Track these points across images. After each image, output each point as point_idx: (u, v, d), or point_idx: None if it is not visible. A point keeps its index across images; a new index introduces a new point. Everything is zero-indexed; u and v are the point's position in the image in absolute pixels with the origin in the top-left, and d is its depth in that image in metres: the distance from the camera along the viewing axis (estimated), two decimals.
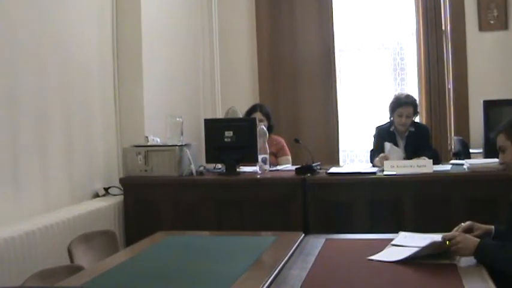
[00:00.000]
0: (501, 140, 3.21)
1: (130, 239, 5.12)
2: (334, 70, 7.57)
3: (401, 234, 3.51)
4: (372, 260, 3.09)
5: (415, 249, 3.07)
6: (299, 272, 2.92)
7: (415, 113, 5.78)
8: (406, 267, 2.93)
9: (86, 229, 4.27)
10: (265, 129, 5.60)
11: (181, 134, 5.49)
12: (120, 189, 5.44)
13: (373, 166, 5.38)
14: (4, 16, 4.23)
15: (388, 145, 5.53)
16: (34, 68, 4.56)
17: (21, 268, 3.89)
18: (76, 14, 5.16)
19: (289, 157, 6.21)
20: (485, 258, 2.96)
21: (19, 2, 4.40)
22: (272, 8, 7.66)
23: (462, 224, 3.32)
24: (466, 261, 2.97)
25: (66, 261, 3.48)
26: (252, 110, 6.36)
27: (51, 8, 4.80)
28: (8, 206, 4.25)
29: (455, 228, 3.30)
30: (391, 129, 5.77)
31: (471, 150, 6.63)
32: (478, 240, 3.02)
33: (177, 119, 5.51)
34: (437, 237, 3.22)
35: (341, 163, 7.43)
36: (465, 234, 3.14)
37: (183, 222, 5.16)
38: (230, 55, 7.70)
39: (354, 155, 7.78)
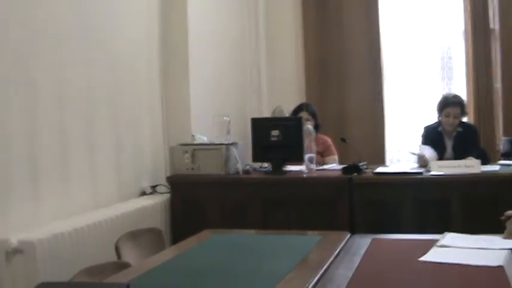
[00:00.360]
0: None
1: (176, 236, 5.16)
2: (381, 69, 7.53)
3: (447, 235, 3.48)
4: (421, 261, 3.06)
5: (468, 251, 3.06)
6: (345, 271, 2.90)
7: (463, 113, 5.73)
8: (454, 269, 2.89)
9: (133, 226, 4.31)
10: (311, 128, 5.59)
11: (228, 132, 5.51)
12: (167, 187, 5.48)
13: (420, 166, 5.34)
14: (52, 18, 4.30)
15: (420, 147, 5.49)
16: (82, 70, 4.63)
17: (70, 263, 3.95)
18: (123, 14, 5.21)
19: (336, 156, 6.20)
20: None
21: (67, 3, 4.46)
22: (319, 7, 7.64)
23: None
24: None
25: (113, 258, 3.53)
26: (299, 109, 6.35)
27: (99, 9, 4.86)
28: (58, 202, 4.33)
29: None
30: (439, 129, 5.74)
31: None
32: None
33: (224, 118, 5.53)
34: (485, 238, 3.20)
35: (387, 163, 7.39)
36: None
37: (229, 220, 5.18)
38: (277, 54, 7.70)
39: (401, 154, 7.72)
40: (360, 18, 7.56)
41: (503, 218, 3.12)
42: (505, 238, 3.12)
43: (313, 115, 6.27)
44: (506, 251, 3.05)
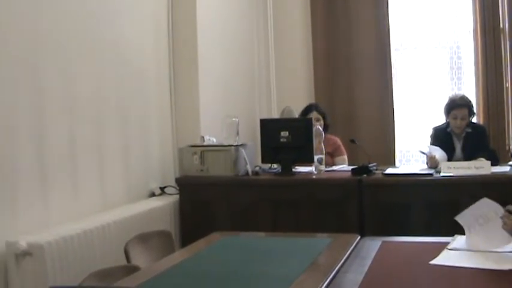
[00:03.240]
0: None
1: (185, 238, 5.18)
2: (390, 69, 7.50)
3: (458, 237, 3.46)
4: (432, 264, 3.04)
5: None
6: (355, 275, 2.89)
7: (471, 114, 5.71)
8: (465, 273, 2.88)
9: (142, 228, 4.31)
10: (321, 129, 5.58)
11: (237, 134, 5.51)
12: (176, 188, 5.48)
13: (429, 167, 5.31)
14: (62, 24, 4.32)
15: (428, 147, 5.47)
16: (91, 72, 4.65)
17: (79, 266, 3.98)
18: (132, 16, 5.22)
19: (346, 157, 6.19)
20: None
21: (76, 10, 4.47)
22: (328, 7, 7.62)
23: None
24: None
25: (122, 260, 3.52)
26: (308, 109, 6.35)
27: (108, 12, 4.87)
28: (67, 205, 4.35)
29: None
30: (447, 130, 5.72)
31: None
32: None
33: (233, 119, 5.53)
34: (495, 240, 3.19)
35: (397, 163, 7.38)
36: None
37: (239, 221, 5.19)
38: (285, 54, 7.68)
39: (410, 155, 7.70)
40: (368, 18, 7.53)
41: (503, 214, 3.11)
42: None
43: (323, 115, 6.27)
44: None
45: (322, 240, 3.73)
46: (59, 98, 4.27)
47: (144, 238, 3.73)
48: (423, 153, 5.49)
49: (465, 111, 5.64)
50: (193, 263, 3.29)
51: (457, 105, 5.64)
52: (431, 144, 5.71)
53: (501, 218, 3.11)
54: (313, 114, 6.17)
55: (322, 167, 5.38)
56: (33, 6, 4.05)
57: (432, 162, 5.23)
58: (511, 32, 7.20)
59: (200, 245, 3.68)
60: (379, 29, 7.49)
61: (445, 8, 7.57)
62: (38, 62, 4.08)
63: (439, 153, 5.33)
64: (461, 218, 3.38)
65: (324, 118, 6.25)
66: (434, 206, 4.80)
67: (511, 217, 3.07)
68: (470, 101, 5.80)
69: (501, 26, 7.25)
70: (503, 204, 4.28)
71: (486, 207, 3.24)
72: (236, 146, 5.40)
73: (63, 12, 4.34)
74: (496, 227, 3.15)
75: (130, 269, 3.15)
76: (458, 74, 7.59)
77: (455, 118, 5.63)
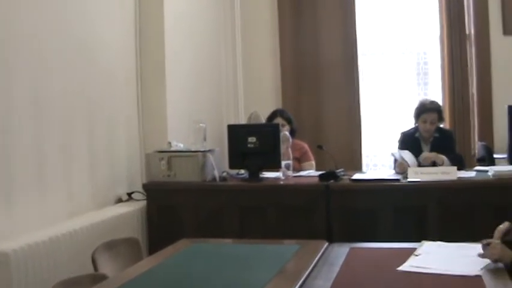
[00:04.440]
0: None
1: (153, 244, 5.14)
2: (357, 74, 7.53)
3: (425, 243, 3.49)
4: (400, 270, 3.05)
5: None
6: (324, 282, 2.89)
7: (440, 119, 5.76)
8: (433, 278, 2.90)
9: (110, 234, 4.29)
10: (288, 134, 5.60)
11: (205, 139, 5.49)
12: (144, 194, 5.45)
13: (397, 172, 5.34)
14: (29, 22, 4.25)
15: (398, 152, 5.50)
16: (58, 74, 4.58)
17: (46, 274, 3.93)
18: (99, 19, 5.17)
19: (313, 162, 6.20)
20: None
21: (43, 8, 4.42)
22: (295, 12, 7.63)
23: (500, 226, 3.26)
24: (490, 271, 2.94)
25: (89, 267, 3.49)
26: (273, 115, 6.37)
27: (74, 14, 4.82)
28: (33, 212, 4.28)
29: (495, 233, 3.24)
30: (415, 135, 5.76)
31: (495, 156, 6.59)
32: None
33: (200, 125, 5.50)
34: (462, 246, 3.22)
35: (364, 168, 7.41)
36: (503, 245, 3.10)
37: (206, 228, 5.16)
38: (253, 59, 7.69)
39: (378, 159, 7.74)
40: (336, 23, 7.55)
41: (484, 243, 3.11)
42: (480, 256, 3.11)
43: (288, 120, 6.28)
44: (484, 260, 3.05)
45: (290, 246, 3.73)
46: (26, 103, 4.20)
47: (111, 245, 3.70)
48: (394, 156, 5.51)
49: (435, 116, 5.68)
50: (161, 271, 3.28)
51: (427, 110, 5.69)
52: (399, 149, 5.74)
53: (483, 251, 3.09)
54: (278, 120, 6.18)
55: (290, 173, 5.39)
56: (3, 8, 3.98)
57: (401, 168, 5.25)
58: (477, 39, 7.30)
59: (168, 252, 3.66)
60: (347, 34, 7.52)
61: (412, 13, 7.63)
62: (6, 66, 4.01)
63: (408, 157, 5.35)
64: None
65: (289, 123, 6.26)
66: (401, 211, 4.82)
67: (495, 244, 3.06)
68: (440, 106, 5.87)
69: (467, 32, 7.34)
70: (470, 209, 4.33)
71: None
72: (203, 151, 5.38)
73: (34, 16, 4.29)
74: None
75: (97, 278, 3.12)
76: (424, 79, 7.67)
77: (424, 122, 5.67)
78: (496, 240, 3.11)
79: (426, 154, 5.48)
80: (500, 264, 2.98)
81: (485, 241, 3.09)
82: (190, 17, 6.52)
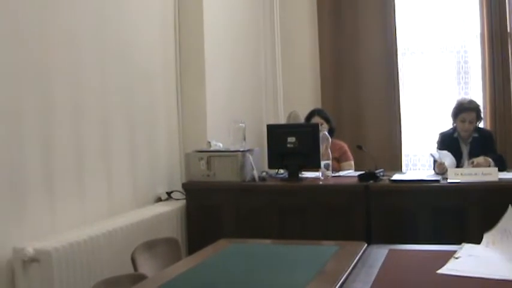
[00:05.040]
0: None
1: (192, 243, 5.20)
2: (397, 73, 7.49)
3: (465, 246, 3.45)
4: (439, 273, 3.03)
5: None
6: (363, 285, 2.88)
7: (478, 118, 5.70)
8: (474, 283, 2.87)
9: (149, 233, 4.34)
10: (327, 134, 5.58)
11: (244, 139, 5.51)
12: (183, 193, 5.48)
13: (437, 173, 5.30)
14: (67, 24, 4.31)
15: (438, 153, 5.45)
16: (97, 76, 4.64)
17: (86, 272, 4.00)
18: (139, 20, 5.23)
19: (352, 162, 6.19)
20: None
21: (82, 8, 4.47)
22: (335, 11, 7.62)
23: None
24: None
25: (129, 266, 3.53)
26: (311, 115, 6.38)
27: (114, 14, 4.87)
28: (74, 210, 4.34)
29: None
30: (454, 135, 5.72)
31: None
32: None
33: (240, 124, 5.52)
34: (502, 249, 3.19)
35: (404, 168, 7.37)
36: None
37: (245, 227, 5.18)
38: (292, 59, 7.68)
39: (417, 159, 7.69)
40: (375, 22, 7.52)
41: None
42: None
43: (327, 120, 6.27)
44: None
45: (329, 248, 3.72)
46: (66, 103, 4.27)
47: (150, 245, 3.73)
48: (433, 156, 5.48)
49: (473, 115, 5.63)
50: (200, 271, 3.29)
51: (465, 109, 5.64)
52: (438, 149, 5.70)
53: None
54: (316, 119, 6.18)
55: (329, 173, 5.38)
56: (40, 7, 4.04)
57: (440, 169, 5.21)
58: None
59: (207, 252, 3.67)
60: (386, 33, 7.48)
61: (452, 12, 7.56)
62: (43, 66, 4.06)
63: (449, 158, 5.31)
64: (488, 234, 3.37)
65: (328, 122, 6.25)
66: (441, 212, 4.79)
67: None
68: (478, 105, 5.80)
69: (508, 30, 7.24)
70: None
71: None
72: (243, 151, 5.40)
73: (72, 13, 4.34)
74: None
75: (137, 278, 3.15)
76: (465, 78, 7.58)
77: (463, 121, 5.63)
78: None
79: (479, 160, 5.36)
80: None
81: None
82: (229, 16, 6.54)
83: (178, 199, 5.47)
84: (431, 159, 5.74)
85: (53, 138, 4.14)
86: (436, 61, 7.70)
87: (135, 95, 5.12)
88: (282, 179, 5.46)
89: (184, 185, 5.50)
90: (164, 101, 5.61)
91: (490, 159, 5.31)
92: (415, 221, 4.82)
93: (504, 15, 7.22)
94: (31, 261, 3.72)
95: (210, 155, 5.42)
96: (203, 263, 3.44)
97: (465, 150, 5.67)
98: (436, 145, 5.82)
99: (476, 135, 5.68)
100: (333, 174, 5.50)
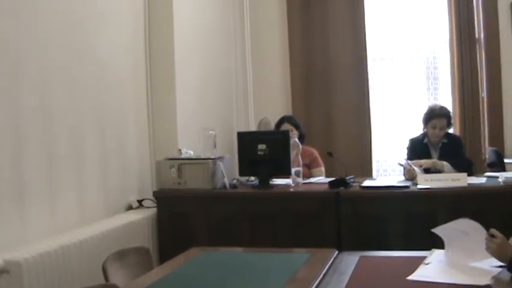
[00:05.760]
0: None
1: (164, 251, 5.18)
2: (367, 79, 7.53)
3: (435, 252, 3.48)
4: (409, 280, 3.05)
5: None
6: None
7: (449, 124, 5.75)
8: None
9: (120, 242, 4.31)
10: (298, 141, 5.59)
11: (215, 146, 5.51)
12: (154, 201, 5.46)
13: (407, 179, 5.33)
14: (36, 28, 4.27)
15: (405, 163, 5.49)
16: (67, 81, 4.60)
17: (57, 282, 3.96)
18: (108, 26, 5.19)
19: (323, 168, 6.20)
20: None
21: (51, 13, 4.43)
22: (305, 17, 7.64)
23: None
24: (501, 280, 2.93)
25: (100, 275, 3.50)
26: (280, 122, 6.40)
27: (84, 20, 4.83)
28: (44, 220, 4.30)
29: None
30: (424, 141, 5.76)
31: (506, 160, 6.55)
32: None
33: (210, 132, 5.52)
34: (472, 254, 3.21)
35: (374, 174, 7.40)
36: (506, 241, 3.09)
37: (216, 235, 5.17)
38: (263, 66, 7.69)
39: (388, 165, 7.73)
40: (345, 28, 7.55)
41: (489, 234, 3.10)
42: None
43: (296, 126, 6.29)
44: (494, 268, 3.05)
45: (300, 255, 3.73)
46: (35, 110, 4.21)
47: (121, 255, 3.72)
48: (401, 165, 5.52)
49: (444, 121, 5.68)
50: (172, 280, 3.29)
51: (436, 115, 5.68)
52: (407, 155, 5.75)
53: (485, 240, 3.09)
54: (286, 126, 6.20)
55: (300, 180, 5.39)
56: (5, 10, 3.98)
57: (409, 175, 5.25)
58: (487, 42, 7.26)
59: (179, 261, 3.67)
60: (356, 40, 7.51)
61: (422, 18, 7.62)
62: (13, 71, 4.02)
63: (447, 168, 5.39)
64: (440, 231, 3.39)
65: (297, 129, 6.26)
66: (411, 218, 4.81)
67: (494, 241, 3.06)
68: (449, 112, 5.85)
69: (476, 36, 7.31)
70: (480, 215, 4.31)
71: (466, 225, 3.24)
72: (213, 158, 5.39)
73: (38, 17, 4.29)
74: (476, 241, 3.15)
75: None
76: (434, 84, 7.65)
77: (434, 127, 5.67)
78: (500, 234, 3.09)
79: (427, 162, 5.45)
80: None
81: (491, 231, 3.09)
82: (199, 23, 6.53)
83: (149, 207, 5.45)
84: (401, 167, 5.78)
85: (22, 146, 4.09)
86: (405, 67, 7.75)
87: (104, 103, 5.09)
88: (253, 186, 5.46)
89: (155, 193, 5.49)
90: (135, 109, 5.58)
91: (445, 163, 5.37)
92: (386, 227, 4.84)
93: (472, 21, 7.29)
94: (1, 272, 3.67)
95: (181, 163, 5.41)
96: (175, 272, 3.44)
97: (435, 155, 5.71)
98: (406, 151, 5.85)
99: (445, 140, 5.73)
100: (304, 181, 5.50)
